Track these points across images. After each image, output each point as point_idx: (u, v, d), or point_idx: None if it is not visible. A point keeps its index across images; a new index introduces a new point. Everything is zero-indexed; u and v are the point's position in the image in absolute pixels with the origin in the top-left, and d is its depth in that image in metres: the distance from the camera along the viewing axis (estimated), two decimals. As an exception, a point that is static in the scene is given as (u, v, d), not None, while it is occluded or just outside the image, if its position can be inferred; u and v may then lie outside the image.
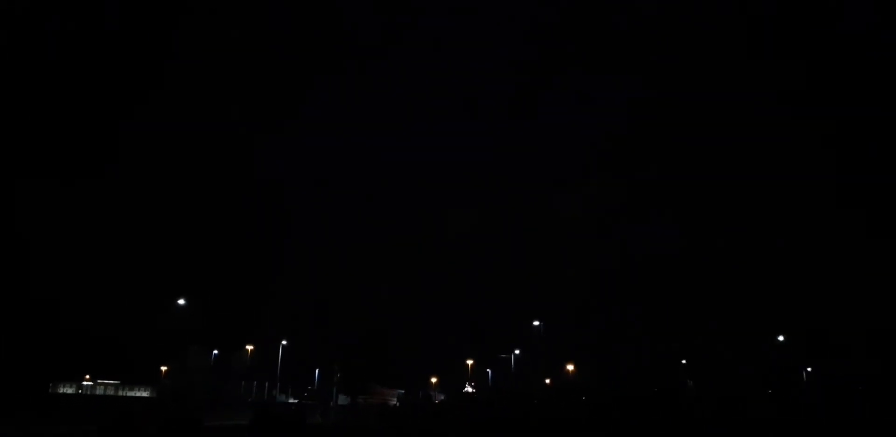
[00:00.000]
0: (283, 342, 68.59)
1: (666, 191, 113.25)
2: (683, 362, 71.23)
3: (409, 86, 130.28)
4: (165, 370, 71.36)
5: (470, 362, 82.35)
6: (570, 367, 65.01)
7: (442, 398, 78.24)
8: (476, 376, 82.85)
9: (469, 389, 77.92)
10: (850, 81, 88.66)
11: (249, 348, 70.59)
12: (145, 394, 79.03)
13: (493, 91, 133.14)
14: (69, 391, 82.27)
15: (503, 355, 78.06)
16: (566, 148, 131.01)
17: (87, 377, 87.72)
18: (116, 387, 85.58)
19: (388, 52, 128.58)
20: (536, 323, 67.67)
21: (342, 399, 70.82)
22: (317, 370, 77.53)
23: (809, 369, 64.90)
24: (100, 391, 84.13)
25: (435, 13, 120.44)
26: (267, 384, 73.73)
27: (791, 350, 61.45)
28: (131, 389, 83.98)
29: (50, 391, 75.62)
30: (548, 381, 64.67)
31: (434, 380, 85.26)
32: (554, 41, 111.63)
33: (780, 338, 61.29)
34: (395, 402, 78.04)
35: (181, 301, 59.02)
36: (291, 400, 75.47)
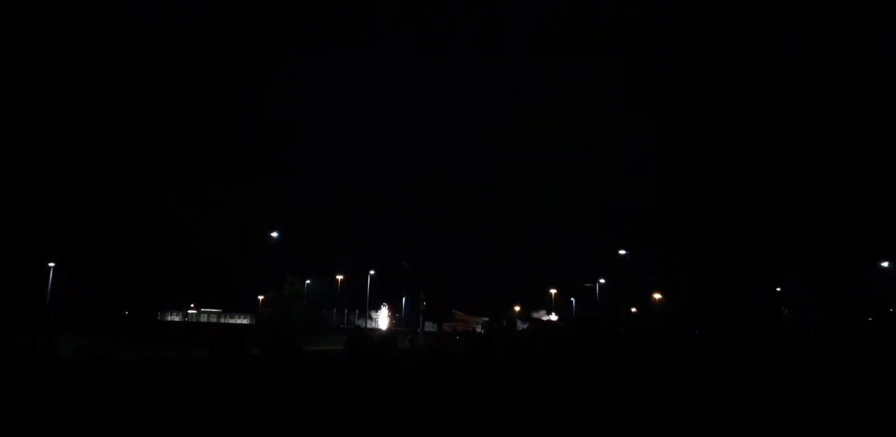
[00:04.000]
0: (371, 272, 70.81)
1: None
2: (778, 289, 69.14)
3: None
4: (263, 299, 75.06)
5: (553, 291, 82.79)
6: (657, 295, 64.30)
7: (525, 325, 79.25)
8: (560, 305, 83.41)
9: (552, 317, 78.57)
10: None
11: (339, 277, 73.45)
12: (245, 321, 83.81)
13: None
14: (176, 318, 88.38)
15: (588, 285, 77.96)
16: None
17: (192, 305, 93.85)
18: (219, 315, 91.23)
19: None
20: (623, 252, 66.80)
21: (428, 326, 72.88)
22: (403, 299, 79.94)
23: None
24: (203, 318, 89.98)
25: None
26: (357, 311, 76.65)
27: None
28: (232, 317, 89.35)
29: (158, 318, 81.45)
30: (634, 309, 64.21)
31: (517, 309, 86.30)
32: None
33: (885, 264, 58.06)
34: (479, 329, 79.78)
35: (274, 234, 61.76)
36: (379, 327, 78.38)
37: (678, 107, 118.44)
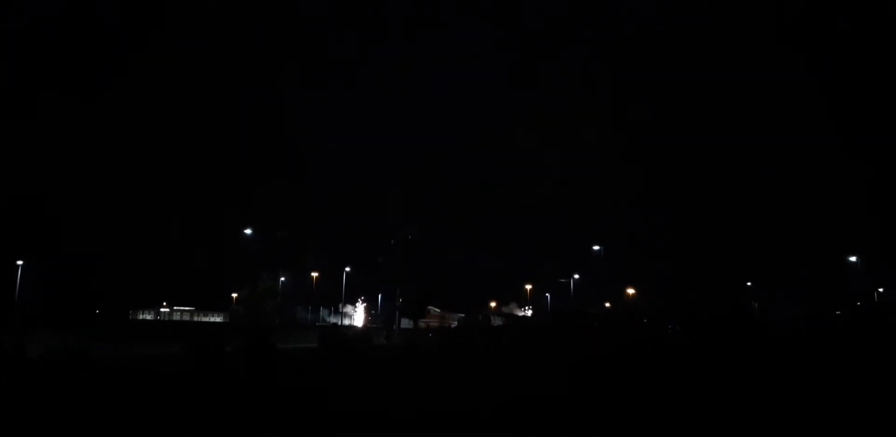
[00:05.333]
0: (347, 269, 70.41)
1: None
2: (749, 284, 70.12)
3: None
4: (237, 297, 74.30)
5: (529, 286, 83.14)
6: (631, 291, 64.83)
7: (501, 321, 79.57)
8: (535, 300, 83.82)
9: (527, 312, 78.96)
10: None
11: (315, 274, 72.93)
12: (218, 319, 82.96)
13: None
14: (148, 317, 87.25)
15: (562, 280, 78.32)
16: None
17: (164, 303, 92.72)
18: (192, 313, 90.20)
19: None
20: (597, 248, 67.27)
21: (404, 323, 72.84)
22: (379, 295, 79.76)
23: (881, 289, 62.96)
24: (176, 316, 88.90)
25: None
26: (332, 308, 76.34)
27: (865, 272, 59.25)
28: (205, 315, 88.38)
29: (130, 317, 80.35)
30: (608, 304, 64.74)
31: (493, 304, 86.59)
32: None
33: (853, 259, 59.04)
34: (455, 325, 79.92)
35: (248, 231, 61.19)
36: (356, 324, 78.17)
37: (663, 107, 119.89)
